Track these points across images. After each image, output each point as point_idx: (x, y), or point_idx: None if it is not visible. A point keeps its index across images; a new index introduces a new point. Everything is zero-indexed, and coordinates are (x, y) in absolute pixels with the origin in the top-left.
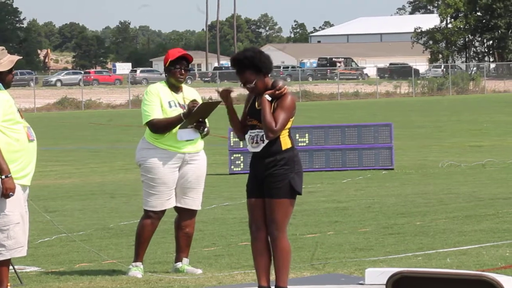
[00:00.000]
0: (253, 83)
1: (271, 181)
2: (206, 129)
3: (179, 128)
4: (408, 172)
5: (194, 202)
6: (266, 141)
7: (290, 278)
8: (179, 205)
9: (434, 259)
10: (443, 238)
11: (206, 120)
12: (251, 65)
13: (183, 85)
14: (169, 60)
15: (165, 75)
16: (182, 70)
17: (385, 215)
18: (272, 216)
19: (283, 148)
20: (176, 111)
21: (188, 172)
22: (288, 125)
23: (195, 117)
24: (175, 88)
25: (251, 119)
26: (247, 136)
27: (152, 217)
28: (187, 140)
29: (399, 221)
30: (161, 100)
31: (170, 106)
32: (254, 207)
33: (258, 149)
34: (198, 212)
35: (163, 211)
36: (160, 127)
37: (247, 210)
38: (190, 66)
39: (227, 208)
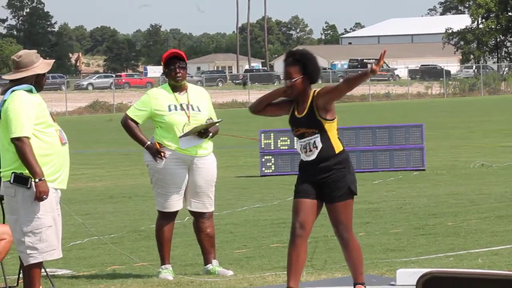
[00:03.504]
0: (294, 80)
1: (332, 186)
2: (210, 134)
3: (180, 137)
4: (439, 173)
5: (204, 205)
6: (319, 147)
7: (321, 279)
8: (190, 208)
9: (466, 260)
10: (475, 239)
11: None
12: (300, 62)
13: (190, 85)
14: (163, 63)
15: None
16: (177, 69)
17: (416, 216)
18: (339, 219)
19: (337, 151)
20: (176, 115)
21: (198, 177)
22: (335, 126)
23: (194, 132)
24: (177, 88)
25: (297, 129)
26: (298, 146)
27: (167, 217)
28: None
29: (430, 222)
30: (152, 107)
31: (170, 110)
32: (303, 207)
33: (313, 157)
34: (229, 215)
35: (176, 211)
36: (128, 130)
37: (292, 210)
38: (186, 64)
39: (258, 210)
